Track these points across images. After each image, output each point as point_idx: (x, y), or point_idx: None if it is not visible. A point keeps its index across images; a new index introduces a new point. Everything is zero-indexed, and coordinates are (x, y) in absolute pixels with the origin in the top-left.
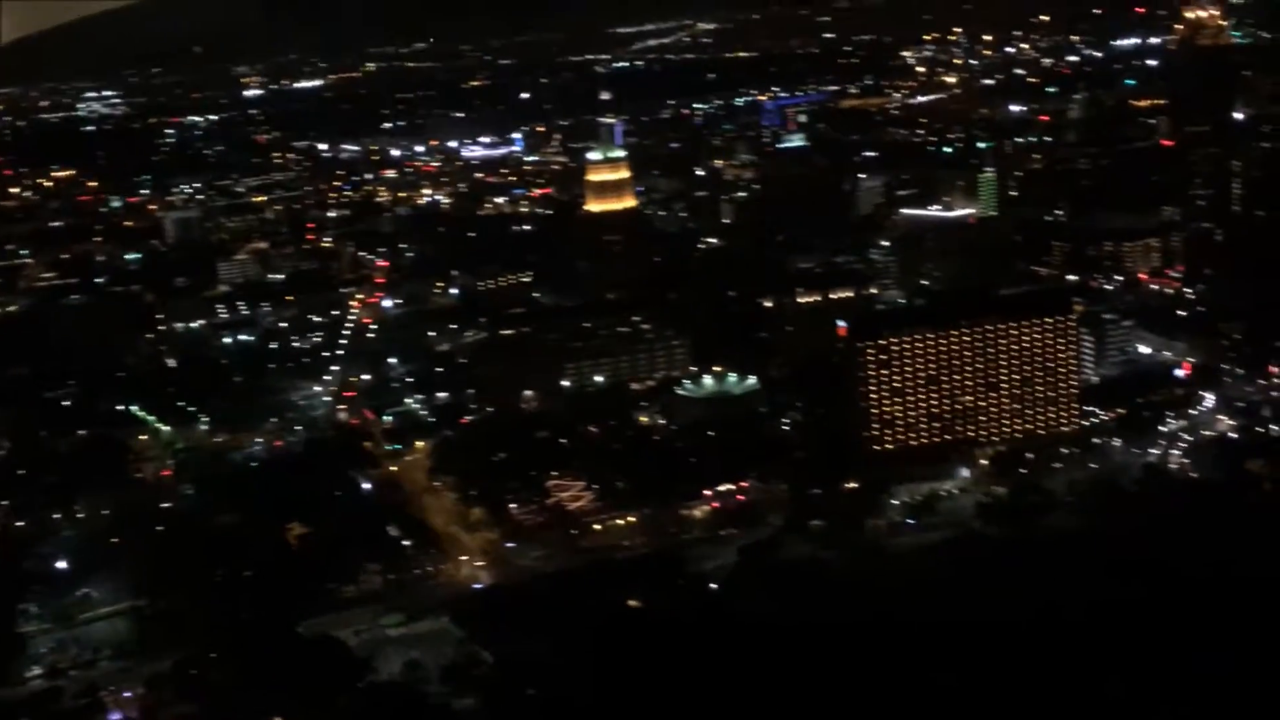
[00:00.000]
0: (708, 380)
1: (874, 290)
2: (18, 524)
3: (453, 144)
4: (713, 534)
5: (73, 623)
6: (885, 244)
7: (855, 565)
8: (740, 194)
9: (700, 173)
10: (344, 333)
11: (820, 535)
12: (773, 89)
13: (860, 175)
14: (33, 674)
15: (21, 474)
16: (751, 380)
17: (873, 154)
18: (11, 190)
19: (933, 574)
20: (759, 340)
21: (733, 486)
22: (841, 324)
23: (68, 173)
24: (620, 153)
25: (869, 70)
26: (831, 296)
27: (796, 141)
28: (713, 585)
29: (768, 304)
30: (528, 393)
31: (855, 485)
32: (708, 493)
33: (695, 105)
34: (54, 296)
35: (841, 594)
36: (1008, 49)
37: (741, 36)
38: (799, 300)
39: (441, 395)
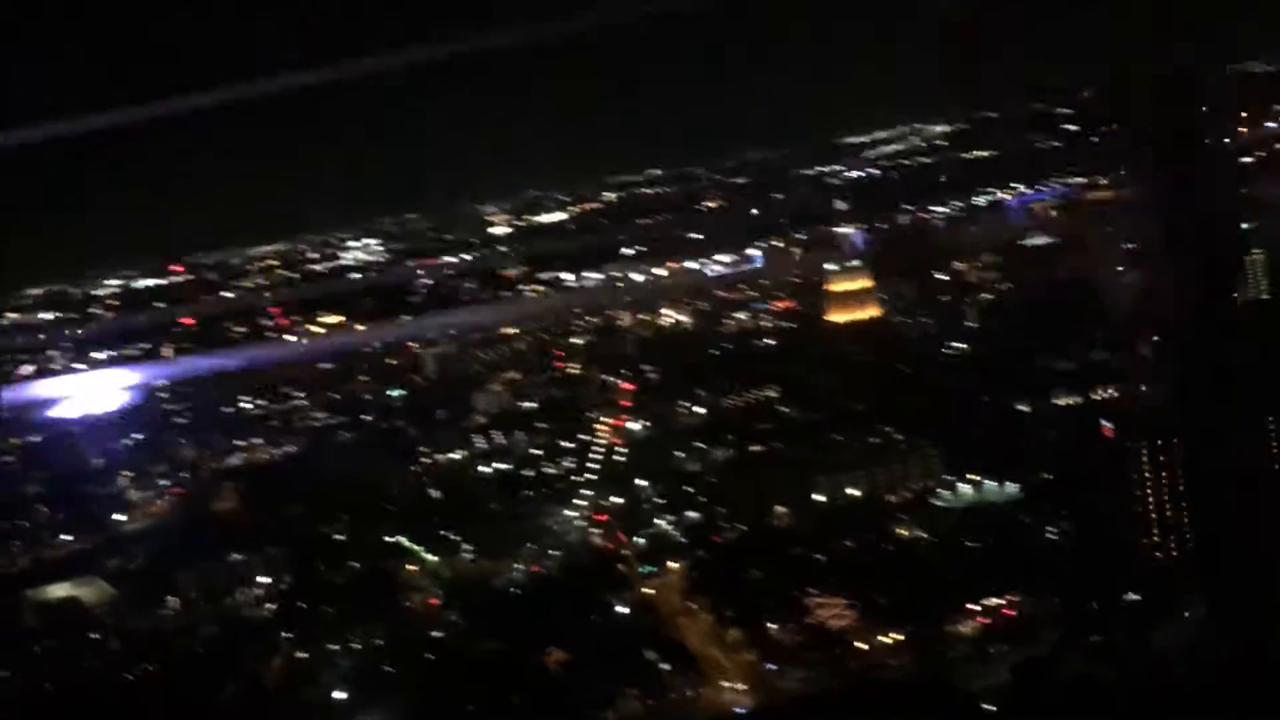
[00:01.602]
0: (965, 489)
1: (1142, 387)
2: (298, 655)
3: (691, 264)
4: (982, 651)
5: None
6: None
7: (1140, 684)
8: (985, 296)
9: (943, 277)
10: (593, 456)
11: (1099, 651)
12: (1014, 185)
13: (1118, 268)
14: None
15: (301, 607)
16: (1012, 487)
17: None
18: (286, 337)
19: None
20: (1017, 446)
21: (1000, 600)
22: (1105, 424)
23: (335, 318)
24: (859, 262)
25: (1117, 160)
26: (1093, 396)
27: (1042, 239)
28: (986, 706)
29: (1023, 407)
30: (779, 509)
31: (1137, 597)
32: (974, 607)
33: (933, 208)
34: (325, 435)
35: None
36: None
37: (977, 135)
38: (1056, 402)
39: (692, 515)
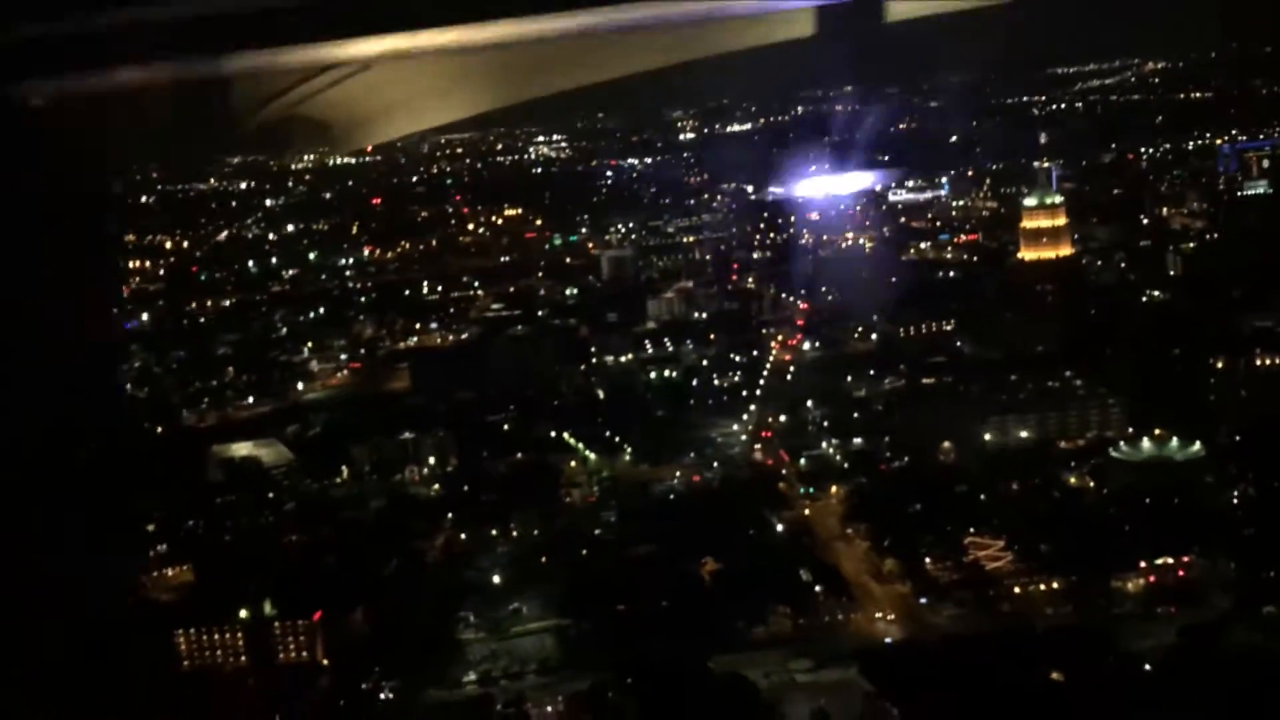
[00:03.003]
0: (1146, 444)
1: None
2: (461, 537)
3: (879, 188)
4: (1148, 611)
5: (504, 635)
6: None
7: None
8: (1190, 245)
9: (1145, 221)
10: (763, 373)
11: (1273, 624)
12: (1231, 132)
13: None
14: (468, 679)
15: (466, 491)
16: (1196, 447)
17: None
18: (468, 227)
19: None
20: (1207, 404)
21: (1171, 561)
22: None
23: (515, 211)
24: (1058, 198)
25: None
26: None
27: (1258, 189)
28: (1147, 666)
29: (1219, 364)
30: (946, 444)
31: None
32: (1143, 565)
33: (1141, 149)
34: (499, 327)
35: None
36: None
37: (1195, 76)
38: (1256, 362)
39: (857, 441)
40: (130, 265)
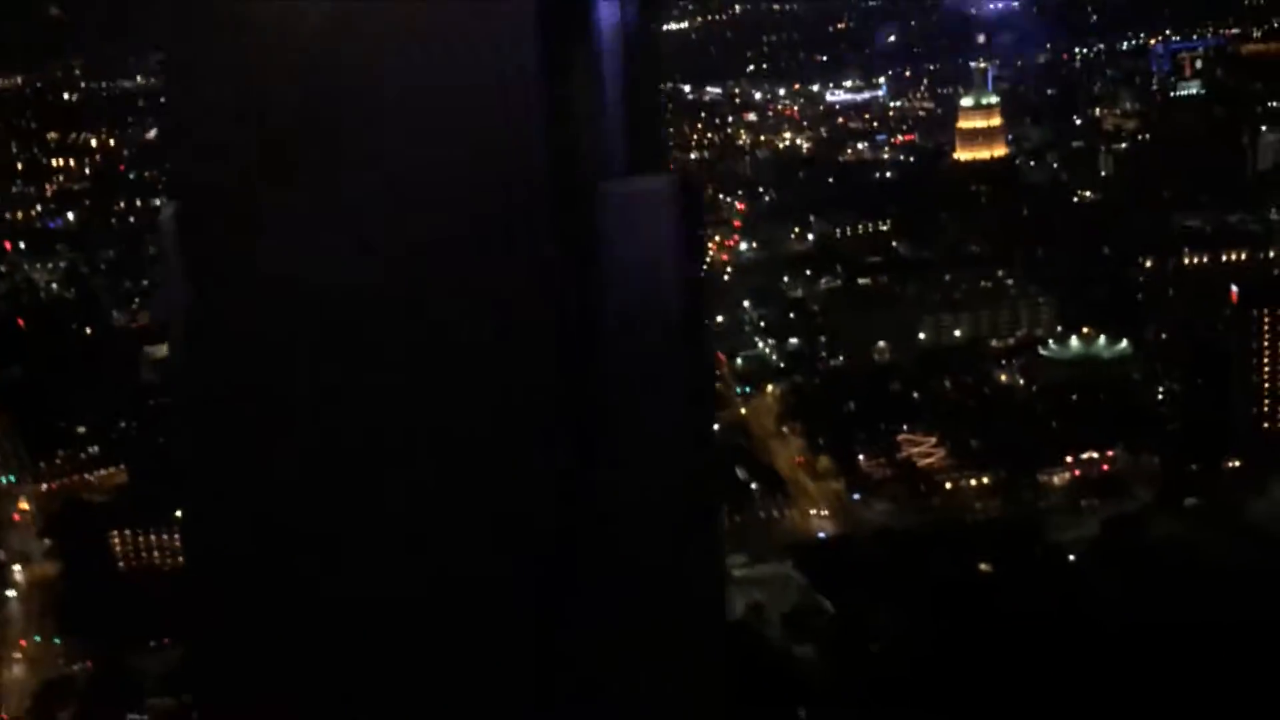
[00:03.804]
0: (1074, 342)
1: (1273, 254)
2: None
3: (816, 88)
4: (1073, 503)
5: None
6: None
7: (1232, 551)
8: (1122, 145)
9: (1078, 121)
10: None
11: (1194, 515)
12: (1164, 32)
13: (1262, 128)
14: None
15: None
16: (1124, 345)
17: (1278, 104)
18: None
19: None
20: (1135, 303)
21: (1097, 455)
22: (1234, 289)
23: None
24: (994, 98)
25: (1278, 12)
26: (1222, 259)
27: (1190, 89)
28: (1071, 557)
29: (1148, 264)
30: (881, 344)
31: (1238, 464)
32: (1069, 460)
33: (1075, 49)
34: None
35: (1216, 582)
36: None
37: None
38: (1184, 261)
39: (793, 341)
40: (55, 164)
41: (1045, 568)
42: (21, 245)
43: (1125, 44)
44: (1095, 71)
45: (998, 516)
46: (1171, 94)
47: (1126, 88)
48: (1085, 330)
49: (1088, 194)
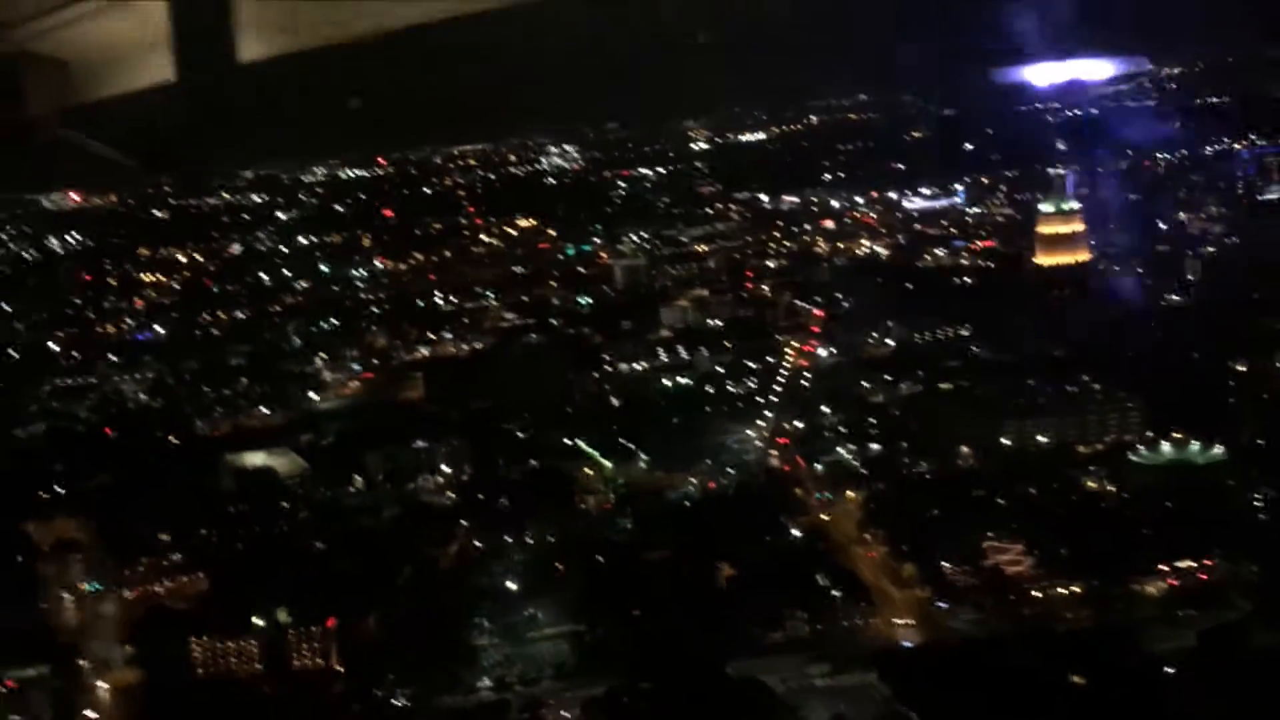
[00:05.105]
0: (1166, 447)
1: None
2: (475, 544)
3: (892, 195)
4: (1169, 614)
5: (519, 640)
6: None
7: None
8: (1208, 249)
9: (1163, 227)
10: (778, 380)
11: None
12: (1250, 136)
13: None
14: (483, 684)
15: (480, 499)
16: (1218, 450)
17: None
18: (481, 238)
19: None
20: (1227, 407)
21: (1193, 564)
22: None
23: (528, 222)
24: (1074, 204)
25: None
26: None
27: (1276, 194)
28: (1168, 669)
29: (1240, 368)
30: (964, 449)
31: None
32: (1164, 568)
33: (1157, 154)
34: (513, 336)
35: None
36: None
37: (1212, 80)
38: (1277, 365)
39: (874, 446)
40: (144, 279)
41: (1140, 680)
42: (112, 358)
43: (1209, 148)
44: (1179, 176)
45: (1090, 627)
46: (1258, 198)
47: (1211, 192)
48: (1177, 435)
49: (1174, 298)
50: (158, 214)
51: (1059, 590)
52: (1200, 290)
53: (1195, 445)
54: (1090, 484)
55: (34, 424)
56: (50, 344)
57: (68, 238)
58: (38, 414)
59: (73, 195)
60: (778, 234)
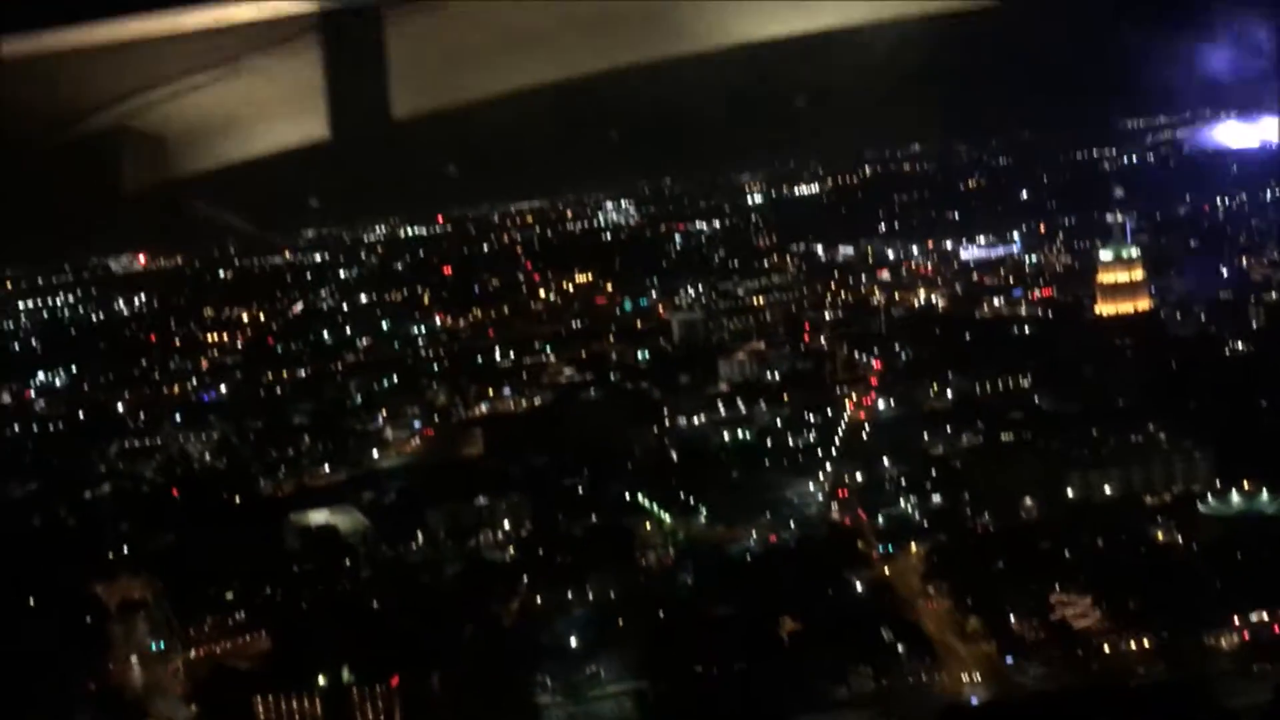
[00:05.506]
0: (1236, 498)
1: None
2: (537, 600)
3: (949, 245)
4: (1242, 667)
5: (582, 698)
6: None
7: None
8: (1272, 295)
9: (1225, 273)
10: (837, 433)
11: None
12: None
13: None
14: None
15: (540, 554)
16: None
17: None
18: (539, 294)
19: None
20: None
21: (1267, 616)
22: None
23: (585, 277)
24: (1134, 251)
25: None
26: None
27: None
28: None
29: None
30: (1028, 501)
31: None
32: (1237, 621)
33: (1217, 199)
34: (572, 391)
35: None
36: None
37: (1271, 124)
38: None
39: (936, 499)
40: (209, 339)
41: None
42: (177, 418)
43: (1269, 193)
44: (1240, 221)
45: (1161, 681)
46: None
47: (1273, 237)
48: (1247, 485)
49: (1239, 346)
50: (222, 274)
51: (1129, 644)
52: (1265, 337)
53: (1265, 495)
54: (1159, 535)
55: (100, 484)
56: (117, 405)
57: (135, 299)
58: (104, 474)
59: (140, 257)
60: (834, 286)
